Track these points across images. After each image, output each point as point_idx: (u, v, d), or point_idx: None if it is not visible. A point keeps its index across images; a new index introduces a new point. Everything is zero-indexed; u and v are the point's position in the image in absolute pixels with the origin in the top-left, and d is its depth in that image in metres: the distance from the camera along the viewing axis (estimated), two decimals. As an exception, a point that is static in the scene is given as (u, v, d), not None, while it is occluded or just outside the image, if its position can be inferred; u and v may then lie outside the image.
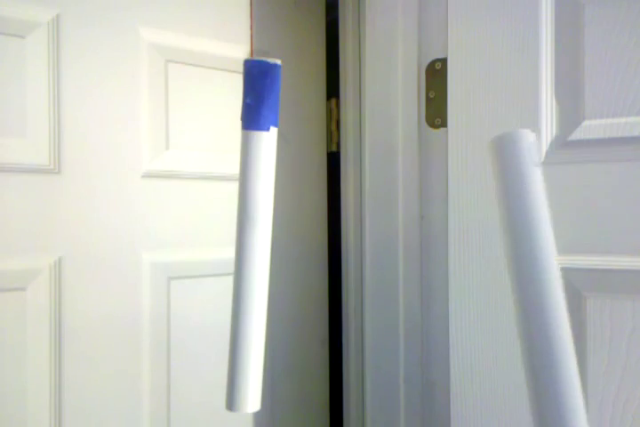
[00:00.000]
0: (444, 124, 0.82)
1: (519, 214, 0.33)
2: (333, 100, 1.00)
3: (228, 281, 0.87)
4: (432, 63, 0.83)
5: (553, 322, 0.31)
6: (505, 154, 0.33)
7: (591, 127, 0.68)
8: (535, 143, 0.33)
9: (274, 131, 0.38)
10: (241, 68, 0.39)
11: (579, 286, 0.68)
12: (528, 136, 0.33)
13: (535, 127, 0.71)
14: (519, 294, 0.32)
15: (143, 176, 0.81)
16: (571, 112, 0.69)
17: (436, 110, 0.83)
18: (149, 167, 0.81)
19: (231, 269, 0.38)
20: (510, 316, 0.73)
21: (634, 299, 0.65)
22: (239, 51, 0.90)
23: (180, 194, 0.84)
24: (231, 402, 0.37)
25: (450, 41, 0.78)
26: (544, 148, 0.71)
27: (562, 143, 0.70)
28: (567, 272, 0.69)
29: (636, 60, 0.65)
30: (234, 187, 0.89)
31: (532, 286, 0.32)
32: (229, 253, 0.88)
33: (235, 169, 0.88)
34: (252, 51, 0.91)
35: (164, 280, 0.83)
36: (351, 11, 0.94)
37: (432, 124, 0.84)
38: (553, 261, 0.33)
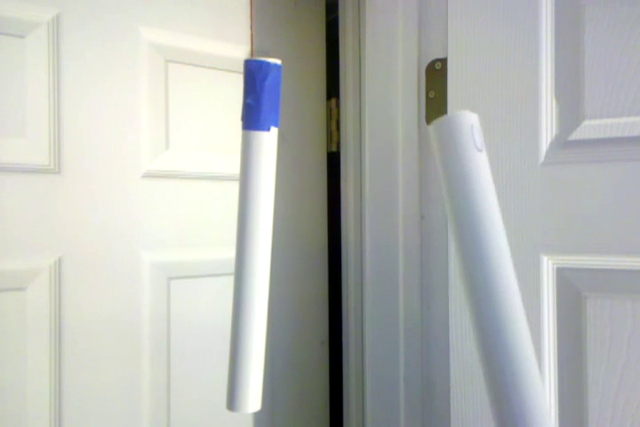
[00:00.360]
0: (444, 124, 0.82)
1: (461, 199, 0.32)
2: (333, 100, 1.00)
3: (228, 281, 0.87)
4: (432, 63, 0.83)
5: (503, 308, 0.30)
6: (444, 138, 0.32)
7: (591, 127, 0.68)
8: (477, 126, 0.31)
9: (274, 131, 0.38)
10: (241, 68, 0.40)
11: (579, 286, 0.68)
12: (468, 118, 0.31)
13: (535, 127, 0.71)
14: (467, 281, 0.31)
15: (143, 176, 0.81)
16: (571, 112, 0.69)
17: (436, 110, 0.83)
18: (149, 167, 0.81)
19: (231, 269, 0.38)
20: (510, 316, 0.73)
21: (634, 299, 0.65)
22: (239, 51, 0.90)
23: (179, 194, 0.84)
24: (231, 402, 0.37)
25: (450, 41, 0.78)
26: (544, 148, 0.71)
27: (562, 143, 0.70)
28: (567, 272, 0.69)
29: (636, 60, 0.65)
30: (234, 187, 0.89)
31: (481, 271, 0.31)
32: (229, 253, 0.88)
33: (235, 169, 0.88)
34: (252, 51, 0.91)
35: (164, 280, 0.83)
36: (351, 11, 0.94)
37: (432, 124, 0.84)
38: (503, 246, 0.31)
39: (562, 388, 0.70)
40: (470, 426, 0.76)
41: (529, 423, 0.30)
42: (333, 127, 1.01)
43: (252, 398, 0.37)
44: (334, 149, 1.01)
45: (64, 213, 0.74)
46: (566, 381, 0.69)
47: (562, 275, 0.70)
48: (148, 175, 0.81)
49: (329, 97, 1.01)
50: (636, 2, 0.65)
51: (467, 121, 0.31)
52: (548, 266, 0.70)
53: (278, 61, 0.37)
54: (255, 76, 0.36)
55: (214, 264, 0.87)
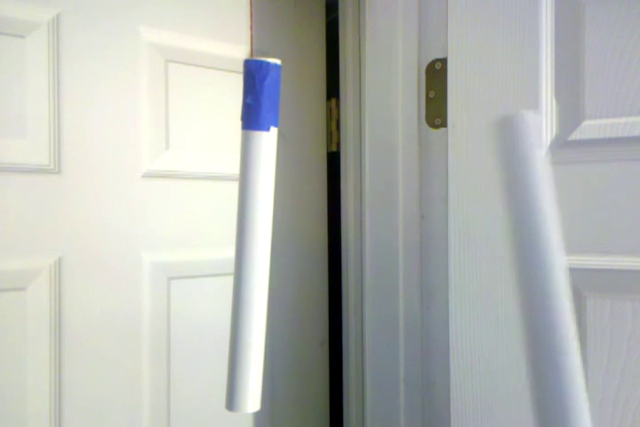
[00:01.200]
0: (443, 124, 0.82)
1: (524, 201, 0.32)
2: (333, 100, 1.00)
3: (228, 281, 0.87)
4: (432, 63, 0.83)
5: (557, 320, 0.30)
6: (509, 137, 0.32)
7: (591, 127, 0.68)
8: (539, 125, 0.33)
9: (274, 131, 0.38)
10: (241, 68, 0.40)
11: (579, 285, 0.68)
12: (533, 118, 0.32)
13: (535, 127, 0.71)
14: (522, 284, 0.31)
15: (143, 176, 0.81)
16: (571, 112, 0.69)
17: (436, 110, 0.83)
18: (149, 167, 0.81)
19: (231, 269, 0.38)
20: (510, 315, 0.73)
21: (634, 299, 0.65)
22: (239, 51, 0.90)
23: (180, 194, 0.84)
24: (231, 402, 0.37)
25: (450, 41, 0.78)
26: (544, 148, 0.71)
27: (562, 143, 0.70)
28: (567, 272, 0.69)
29: (636, 60, 0.65)
30: (234, 187, 0.89)
31: (536, 279, 0.31)
32: (229, 253, 0.88)
33: (235, 169, 0.88)
34: (252, 51, 0.91)
35: (164, 280, 0.83)
36: (351, 11, 0.94)
37: (432, 124, 0.84)
38: (558, 251, 0.32)
39: (562, 388, 0.70)
40: (470, 426, 0.76)
41: None
42: (333, 127, 1.01)
43: (252, 398, 0.37)
44: (334, 149, 1.01)
45: (64, 213, 0.74)
46: (566, 381, 0.69)
47: (562, 275, 0.70)
48: (148, 175, 0.81)
49: (329, 97, 1.01)
50: (635, 2, 0.65)
51: (532, 120, 0.32)
52: (547, 266, 0.70)
53: (278, 61, 0.37)
54: (255, 76, 0.36)
55: (214, 264, 0.87)
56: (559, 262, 0.31)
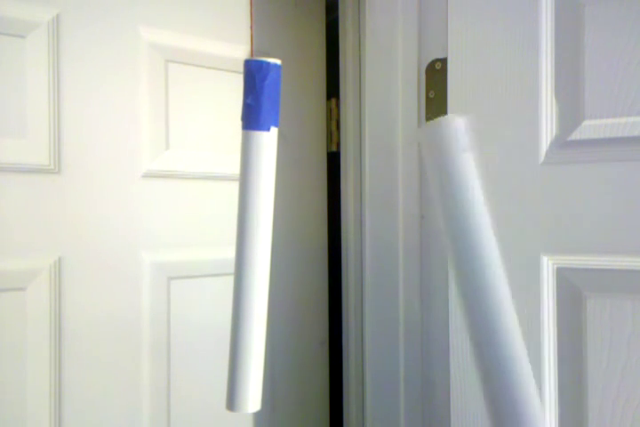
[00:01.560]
0: (444, 124, 0.82)
1: (450, 200, 0.33)
2: (333, 100, 1.00)
3: (228, 281, 0.87)
4: (432, 63, 0.83)
5: (494, 313, 0.31)
6: (430, 142, 0.33)
7: (591, 127, 0.68)
8: (463, 129, 0.33)
9: (274, 131, 0.38)
10: (241, 68, 0.40)
11: (579, 285, 0.68)
12: (454, 122, 0.33)
13: (535, 127, 0.71)
14: (458, 277, 0.32)
15: (143, 176, 0.81)
16: (571, 112, 0.69)
17: (436, 110, 0.83)
18: (149, 167, 0.81)
19: (231, 269, 0.38)
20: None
21: (634, 299, 0.65)
22: (239, 51, 0.90)
23: (180, 194, 0.84)
24: (231, 402, 0.37)
25: (450, 41, 0.78)
26: (544, 148, 0.71)
27: (562, 143, 0.70)
28: (567, 272, 0.69)
29: (636, 60, 0.65)
30: (234, 187, 0.89)
31: (471, 272, 0.32)
32: (229, 253, 0.88)
33: (235, 169, 0.88)
34: (252, 51, 0.91)
35: (164, 280, 0.83)
36: (351, 11, 0.94)
37: (432, 124, 0.84)
38: (491, 244, 0.32)
39: (562, 388, 0.70)
40: (470, 426, 0.76)
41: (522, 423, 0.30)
42: (333, 127, 1.01)
43: (252, 398, 0.37)
44: (334, 149, 1.01)
45: (64, 213, 0.74)
46: (566, 381, 0.69)
47: (562, 275, 0.70)
48: (148, 175, 0.81)
49: (329, 97, 1.01)
50: (636, 2, 0.65)
51: (452, 124, 0.33)
52: (548, 266, 0.70)
53: (278, 61, 0.37)
54: (255, 76, 0.36)
55: (214, 264, 0.87)
56: (491, 249, 0.32)
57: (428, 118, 0.84)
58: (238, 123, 0.39)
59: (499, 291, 0.32)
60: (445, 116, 0.33)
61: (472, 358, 0.32)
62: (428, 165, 0.34)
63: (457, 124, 0.33)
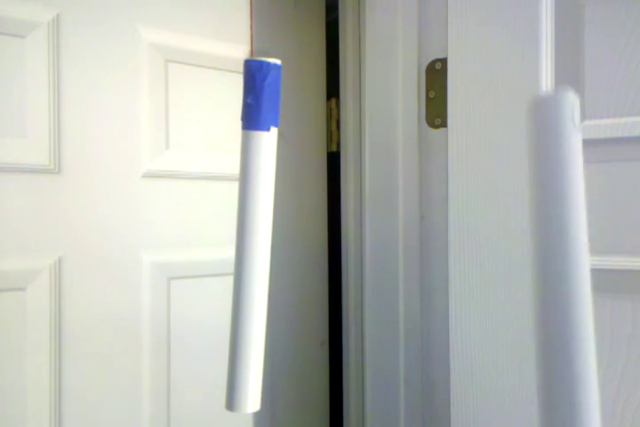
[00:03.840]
0: (444, 124, 0.82)
1: (553, 186, 0.31)
2: (333, 100, 1.00)
3: (228, 281, 0.87)
4: (432, 63, 0.83)
5: (576, 320, 0.29)
6: (545, 117, 0.31)
7: (591, 127, 0.68)
8: (578, 107, 0.31)
9: (274, 131, 0.38)
10: (241, 68, 0.39)
11: (579, 286, 0.68)
12: (571, 98, 0.30)
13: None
14: (543, 280, 0.30)
15: (143, 176, 0.81)
16: (571, 112, 0.69)
17: (436, 110, 0.83)
18: (149, 167, 0.81)
19: (231, 269, 0.38)
20: (510, 316, 0.73)
21: (634, 299, 0.65)
22: (239, 51, 0.90)
23: (180, 194, 0.84)
24: (231, 402, 0.37)
25: (450, 41, 0.78)
26: (544, 148, 0.70)
27: (562, 143, 0.70)
28: (567, 272, 0.69)
29: (636, 60, 0.65)
30: (234, 187, 0.89)
31: (559, 276, 0.30)
32: (229, 253, 0.88)
33: (235, 169, 0.88)
34: (252, 51, 0.91)
35: (164, 280, 0.83)
36: (351, 11, 0.94)
37: (432, 124, 0.84)
38: (583, 243, 0.30)
39: (562, 388, 0.70)
40: (470, 426, 0.76)
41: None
42: (333, 127, 1.01)
43: (252, 398, 0.37)
44: (334, 149, 1.01)
45: (64, 213, 0.74)
46: (566, 381, 0.69)
47: (562, 275, 0.70)
48: (149, 175, 0.81)
49: (329, 97, 1.01)
50: (636, 2, 0.65)
51: (569, 101, 0.31)
52: (548, 266, 0.70)
53: (278, 61, 0.37)
54: (255, 76, 0.36)
55: (214, 264, 0.87)
56: (584, 260, 0.30)
57: (428, 118, 0.84)
58: (238, 123, 0.39)
59: (582, 278, 0.29)
60: (562, 92, 0.30)
61: (539, 347, 0.29)
62: (535, 140, 0.31)
63: (574, 101, 0.30)
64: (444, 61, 0.81)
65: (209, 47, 0.86)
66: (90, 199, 0.76)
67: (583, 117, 0.68)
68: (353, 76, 0.94)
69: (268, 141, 0.37)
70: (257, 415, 0.92)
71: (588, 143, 0.68)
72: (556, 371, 0.29)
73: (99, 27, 0.76)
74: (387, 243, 0.89)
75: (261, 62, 0.36)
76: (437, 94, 0.82)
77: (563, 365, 0.29)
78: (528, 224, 0.71)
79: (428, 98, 0.84)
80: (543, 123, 0.31)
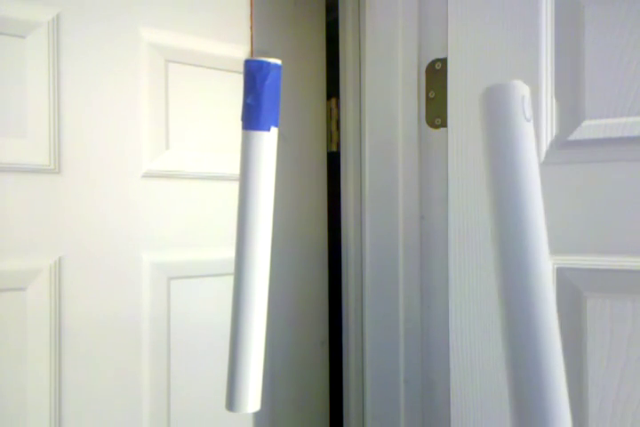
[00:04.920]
0: (444, 124, 0.82)
1: (504, 172, 0.31)
2: (333, 100, 1.00)
3: (228, 281, 0.87)
4: (432, 63, 0.83)
5: (540, 318, 0.30)
6: (494, 106, 0.31)
7: (591, 127, 0.68)
8: (528, 97, 0.31)
9: (274, 131, 0.38)
10: (241, 68, 0.40)
11: (579, 285, 0.68)
12: (522, 89, 0.31)
13: (535, 127, 0.71)
14: (498, 244, 0.30)
15: (143, 176, 0.81)
16: (571, 112, 0.69)
17: (436, 110, 0.83)
18: (149, 167, 0.81)
19: (231, 269, 0.38)
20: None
21: (634, 299, 0.65)
22: (239, 51, 0.90)
23: (180, 194, 0.84)
24: (231, 402, 0.37)
25: (450, 41, 0.78)
26: (544, 148, 0.71)
27: (562, 143, 0.70)
28: (567, 272, 0.69)
29: (636, 60, 0.65)
30: (234, 187, 0.89)
31: (514, 238, 0.30)
32: (229, 253, 0.88)
33: (235, 169, 0.88)
34: (252, 51, 0.91)
35: (164, 280, 0.83)
36: (351, 11, 0.94)
37: (432, 124, 0.84)
38: (542, 234, 0.31)
39: (562, 388, 0.70)
40: (470, 426, 0.76)
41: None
42: (333, 127, 1.01)
43: (252, 398, 0.37)
44: (334, 149, 1.01)
45: (64, 213, 0.74)
46: (566, 381, 0.69)
47: (562, 275, 0.70)
48: (148, 175, 0.81)
49: (329, 97, 1.01)
50: (636, 2, 0.65)
51: (519, 91, 0.31)
52: (548, 266, 0.70)
53: (278, 61, 0.37)
54: (255, 77, 0.36)
55: (214, 264, 0.87)
56: (544, 261, 0.31)
57: (428, 118, 0.84)
58: (238, 123, 0.39)
59: (541, 265, 0.30)
60: (513, 82, 0.31)
61: (504, 344, 0.30)
62: (487, 130, 0.32)
63: (525, 91, 0.31)
64: (444, 61, 0.81)
65: (209, 47, 0.86)
66: (90, 199, 0.76)
67: (583, 117, 0.68)
68: (353, 76, 0.94)
69: (268, 141, 0.37)
70: (257, 415, 0.92)
71: (588, 143, 0.68)
72: (523, 374, 0.30)
73: (99, 27, 0.76)
74: (387, 243, 0.89)
75: (261, 62, 0.36)
76: (437, 94, 0.82)
77: (529, 366, 0.29)
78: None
79: (428, 98, 0.84)
80: (493, 113, 0.32)
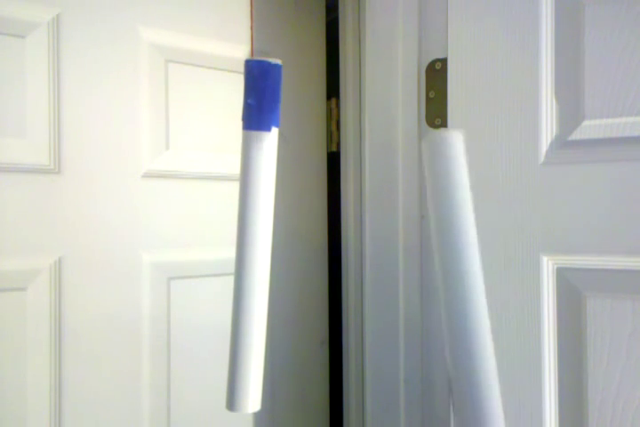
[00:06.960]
0: (444, 124, 0.82)
1: (444, 198, 0.37)
2: (333, 100, 1.00)
3: (228, 281, 0.87)
4: (432, 63, 0.83)
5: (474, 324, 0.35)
6: (435, 150, 0.36)
7: (591, 127, 0.68)
8: (462, 140, 0.37)
9: (275, 131, 0.38)
10: (241, 68, 0.40)
11: (579, 285, 0.68)
12: (457, 134, 0.36)
13: (535, 127, 0.71)
14: (442, 280, 0.36)
15: (143, 176, 0.81)
16: (571, 112, 0.69)
17: (436, 110, 0.83)
18: (149, 167, 0.81)
19: (231, 269, 0.38)
20: (510, 316, 0.73)
21: (634, 299, 0.65)
22: (239, 51, 0.90)
23: (180, 194, 0.84)
24: (231, 402, 0.37)
25: (450, 41, 0.78)
26: (544, 148, 0.71)
27: (562, 143, 0.70)
28: (567, 272, 0.69)
29: (636, 60, 0.65)
30: (234, 187, 0.89)
31: (450, 257, 0.36)
32: (229, 253, 0.88)
33: (235, 169, 0.88)
34: (252, 51, 0.91)
35: (164, 280, 0.83)
36: (351, 11, 0.94)
37: (432, 124, 0.84)
38: (474, 252, 0.37)
39: (562, 388, 0.70)
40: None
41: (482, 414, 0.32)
42: (333, 127, 1.01)
43: (252, 398, 0.37)
44: (334, 149, 1.01)
45: (64, 213, 0.74)
46: (566, 381, 0.69)
47: (562, 275, 0.70)
48: (148, 175, 0.81)
49: (329, 97, 1.01)
50: (636, 2, 0.65)
51: (457, 139, 0.37)
52: (547, 266, 0.70)
53: (279, 61, 0.37)
54: (256, 76, 0.36)
55: (214, 264, 0.87)
56: (479, 294, 0.35)
57: (428, 118, 0.84)
58: (239, 123, 0.39)
59: (475, 286, 0.35)
60: (450, 130, 0.36)
61: (446, 350, 0.36)
62: (430, 170, 0.37)
63: (458, 136, 0.36)
64: (444, 61, 0.81)
65: (209, 47, 0.86)
66: (90, 199, 0.76)
67: (583, 117, 0.68)
68: (353, 76, 0.94)
69: (268, 141, 0.37)
70: (257, 415, 0.92)
71: (588, 143, 0.68)
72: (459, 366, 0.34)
73: (99, 27, 0.76)
74: (387, 243, 0.89)
75: (262, 62, 0.36)
76: (437, 94, 0.82)
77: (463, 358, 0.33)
78: (527, 224, 0.71)
79: (428, 98, 0.84)
80: (437, 158, 0.37)
